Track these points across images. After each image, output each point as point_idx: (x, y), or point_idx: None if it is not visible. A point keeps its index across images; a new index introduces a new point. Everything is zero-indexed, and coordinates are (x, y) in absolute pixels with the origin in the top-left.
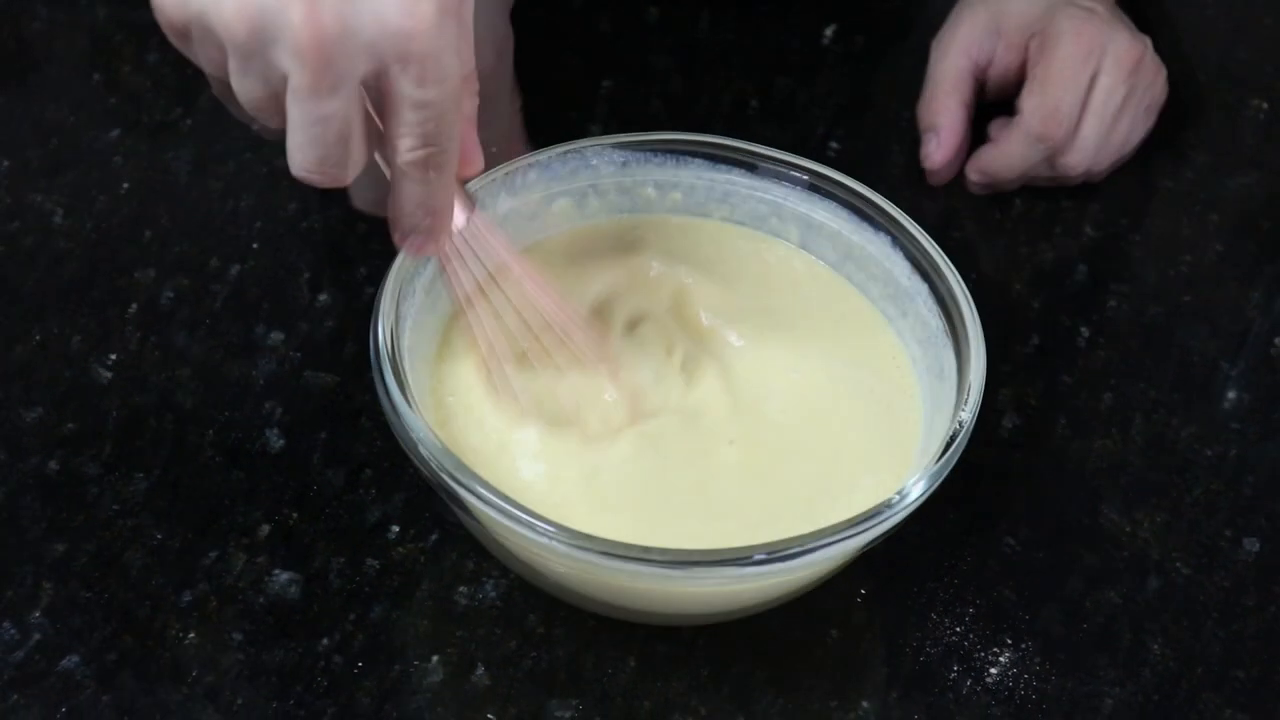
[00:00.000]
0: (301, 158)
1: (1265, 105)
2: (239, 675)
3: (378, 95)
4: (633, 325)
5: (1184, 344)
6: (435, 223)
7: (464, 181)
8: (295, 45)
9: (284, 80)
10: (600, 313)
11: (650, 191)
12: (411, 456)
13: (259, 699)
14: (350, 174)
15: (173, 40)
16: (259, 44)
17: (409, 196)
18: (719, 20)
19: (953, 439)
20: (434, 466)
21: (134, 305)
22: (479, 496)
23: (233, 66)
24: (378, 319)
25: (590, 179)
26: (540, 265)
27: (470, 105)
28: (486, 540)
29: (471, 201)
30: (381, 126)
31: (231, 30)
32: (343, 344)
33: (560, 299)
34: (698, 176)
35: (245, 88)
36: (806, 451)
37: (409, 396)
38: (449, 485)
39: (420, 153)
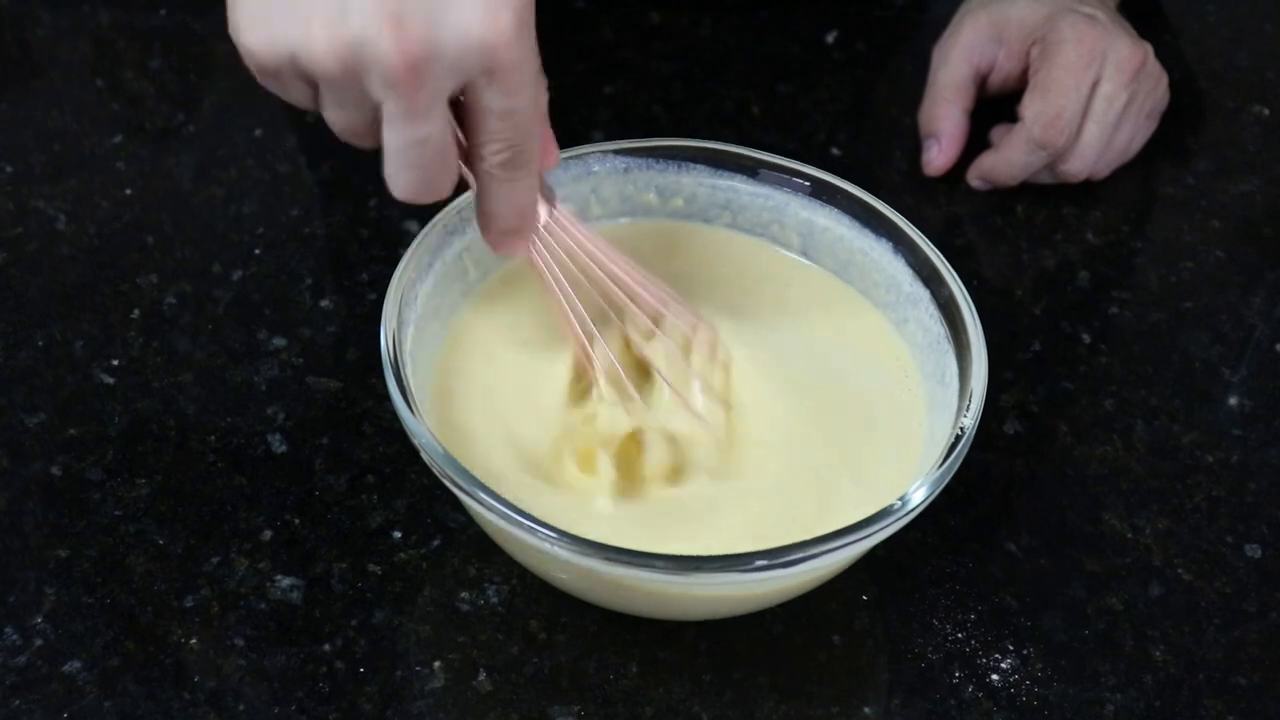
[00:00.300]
0: (403, 181)
1: (1266, 111)
2: (241, 680)
3: (454, 106)
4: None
5: (1185, 350)
6: (524, 221)
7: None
8: (389, 74)
9: (377, 108)
10: (601, 319)
11: (652, 197)
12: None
13: (261, 704)
14: (449, 189)
15: (262, 81)
16: (351, 77)
17: (498, 199)
18: (720, 25)
19: (954, 445)
20: (435, 473)
21: (136, 310)
22: (480, 502)
23: (326, 100)
24: (382, 323)
25: (592, 185)
26: (626, 250)
27: (544, 101)
28: (491, 533)
29: (552, 194)
30: (462, 136)
31: (325, 67)
32: (345, 349)
33: (650, 281)
34: (699, 183)
35: (340, 118)
36: (808, 457)
37: (410, 401)
38: (451, 491)
39: (506, 156)
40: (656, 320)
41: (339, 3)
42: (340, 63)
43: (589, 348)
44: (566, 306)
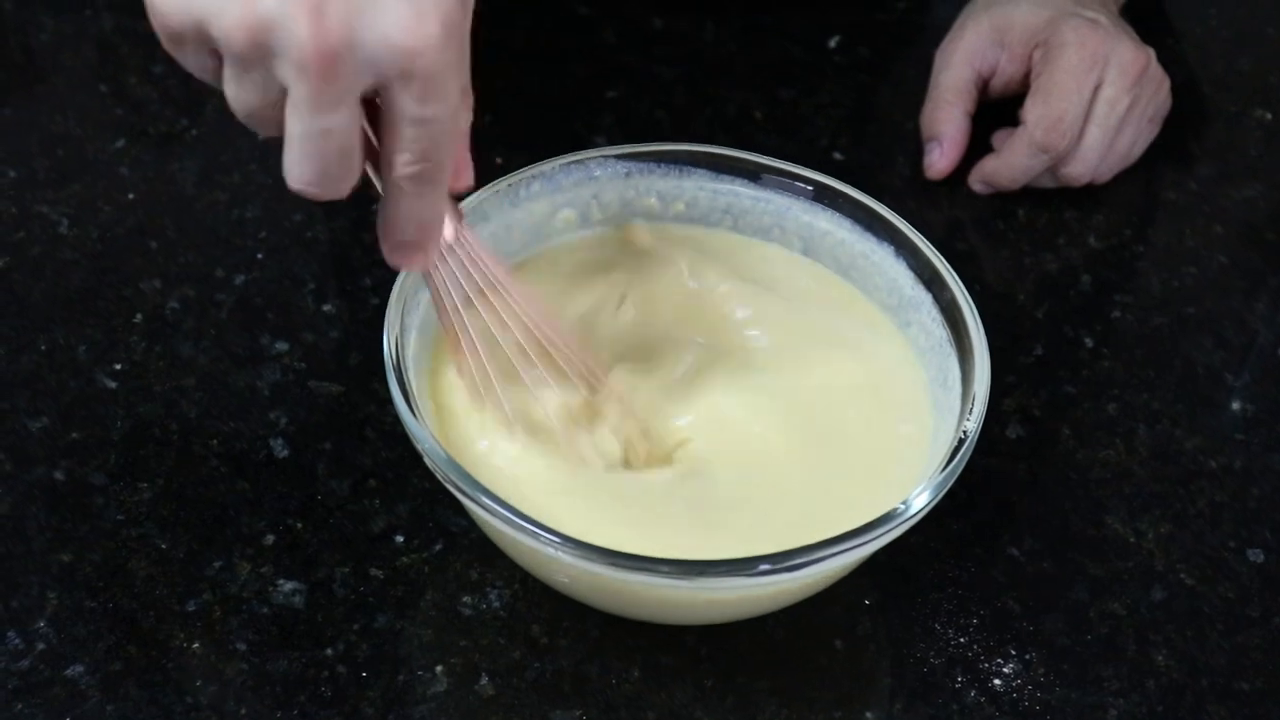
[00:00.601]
0: (299, 171)
1: (1269, 116)
2: (243, 685)
3: (373, 109)
4: (637, 333)
5: (1188, 355)
6: (426, 237)
7: (455, 196)
8: (300, 58)
9: (282, 92)
10: (605, 321)
11: (653, 202)
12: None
13: (263, 708)
14: (347, 188)
15: (166, 44)
16: (260, 54)
17: (402, 211)
18: (723, 30)
19: (957, 449)
20: (438, 477)
21: (139, 315)
22: (485, 507)
23: (229, 75)
24: (384, 329)
25: (593, 190)
26: (528, 281)
27: (466, 120)
28: (494, 538)
29: (460, 215)
30: (376, 141)
31: (232, 39)
32: (347, 354)
33: (548, 314)
34: (700, 187)
35: (241, 97)
36: (811, 461)
37: (414, 406)
38: (454, 495)
39: (416, 168)
40: (554, 354)
41: None
42: (250, 38)
43: (483, 367)
44: (457, 327)
